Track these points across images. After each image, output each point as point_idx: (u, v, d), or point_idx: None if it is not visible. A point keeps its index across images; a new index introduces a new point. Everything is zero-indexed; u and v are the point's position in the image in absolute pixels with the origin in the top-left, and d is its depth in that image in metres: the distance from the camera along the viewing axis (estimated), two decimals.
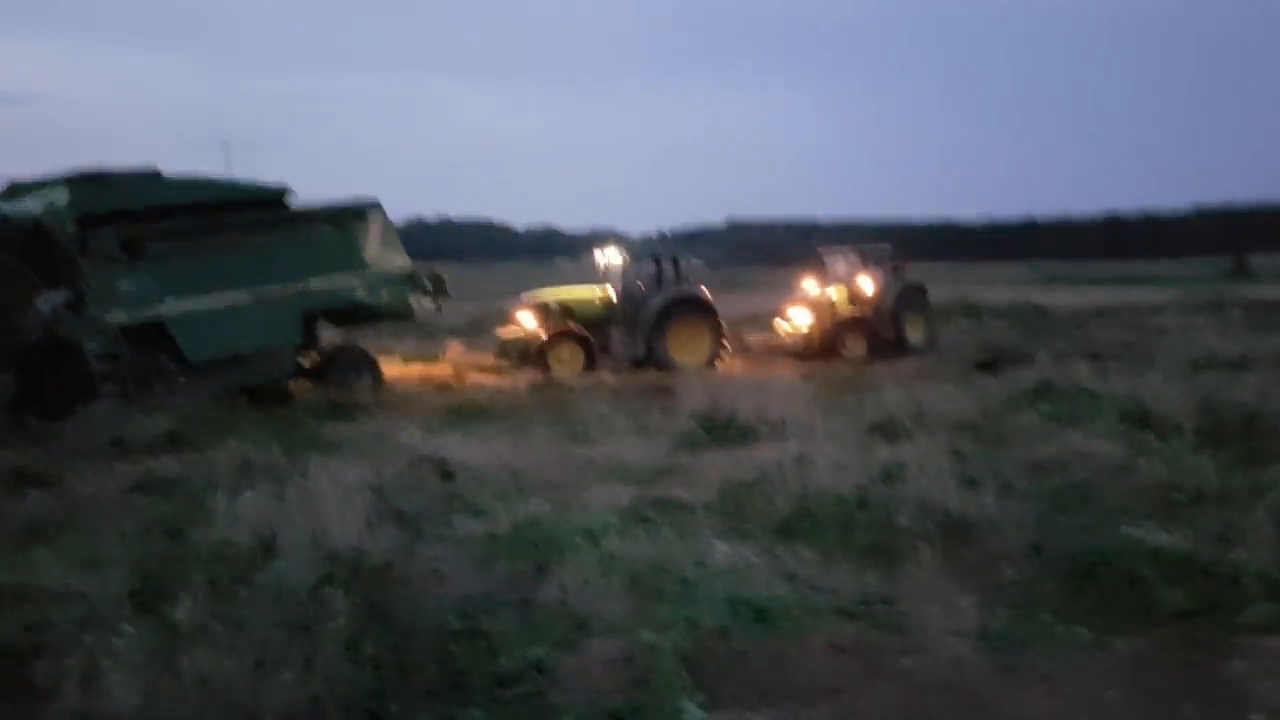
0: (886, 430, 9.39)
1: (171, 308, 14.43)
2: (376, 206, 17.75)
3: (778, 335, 21.89)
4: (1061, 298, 33.67)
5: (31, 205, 14.34)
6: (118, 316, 13.87)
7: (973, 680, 4.55)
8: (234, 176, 16.40)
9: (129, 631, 4.16)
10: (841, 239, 26.68)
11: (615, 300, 19.92)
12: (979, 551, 6.11)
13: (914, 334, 21.45)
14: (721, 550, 6.12)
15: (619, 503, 7.62)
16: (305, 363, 16.67)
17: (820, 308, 21.35)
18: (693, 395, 11.61)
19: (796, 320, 21.36)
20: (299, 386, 16.44)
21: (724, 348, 19.85)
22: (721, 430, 9.87)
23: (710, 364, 19.05)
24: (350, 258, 17.00)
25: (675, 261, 20.60)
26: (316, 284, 16.27)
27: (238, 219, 15.73)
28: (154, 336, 14.21)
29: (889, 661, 4.74)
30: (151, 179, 15.16)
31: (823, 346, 20.86)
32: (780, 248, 24.39)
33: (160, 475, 8.64)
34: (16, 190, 15.08)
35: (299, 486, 6.35)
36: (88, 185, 14.32)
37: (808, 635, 5.00)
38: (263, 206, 16.28)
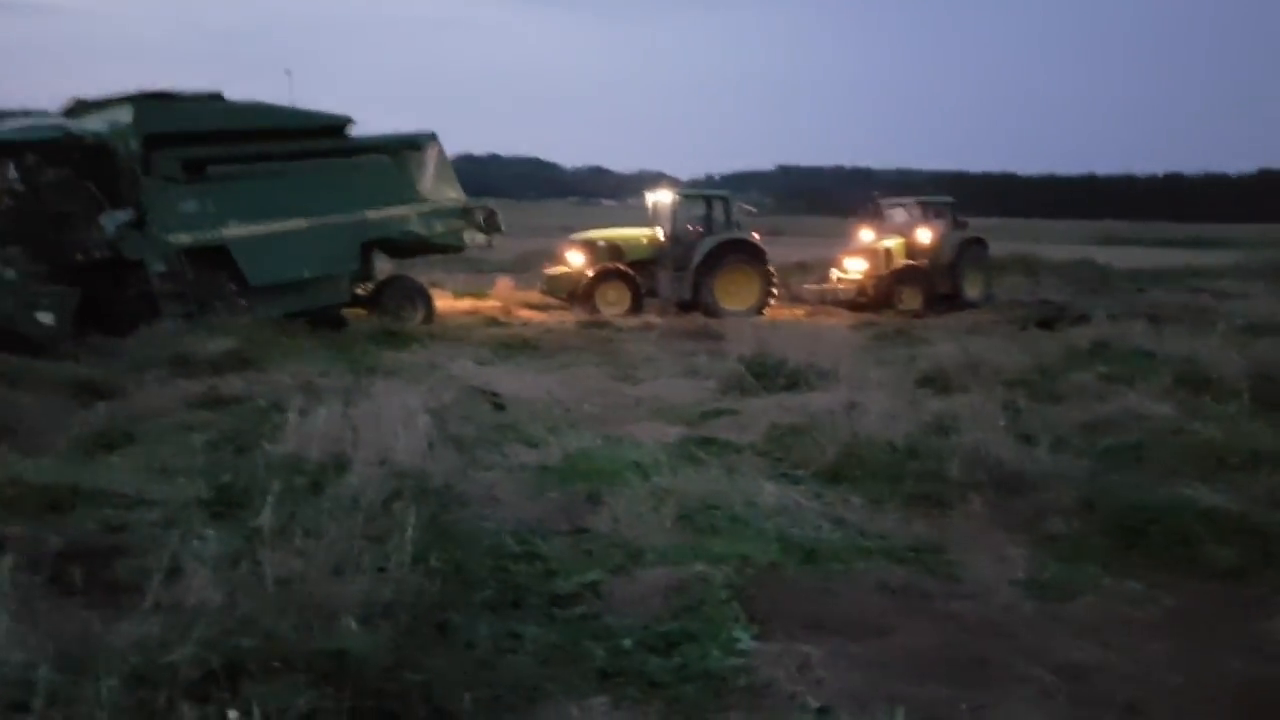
0: (939, 382, 9.40)
1: (233, 231, 14.66)
2: (433, 139, 17.83)
3: (831, 284, 21.75)
4: (1121, 256, 33.00)
5: (96, 124, 14.56)
6: (180, 237, 14.12)
7: (1019, 626, 4.62)
8: (295, 104, 16.46)
9: (209, 534, 4.36)
10: (896, 189, 26.35)
11: (664, 242, 19.89)
12: (1029, 504, 6.14)
13: (972, 289, 21.23)
14: (770, 491, 6.21)
15: (667, 440, 7.73)
16: (360, 291, 16.94)
17: (876, 258, 21.16)
18: (741, 340, 11.67)
19: (851, 270, 21.20)
20: (353, 314, 16.74)
21: (773, 295, 19.78)
22: (770, 376, 9.90)
23: (759, 311, 19.01)
24: (406, 189, 17.14)
25: (726, 204, 20.47)
26: (373, 214, 16.45)
27: (299, 146, 15.89)
28: (216, 259, 14.47)
29: (937, 604, 4.82)
30: (215, 102, 15.33)
31: (877, 297, 20.70)
32: (832, 195, 24.08)
33: (225, 393, 8.87)
34: (81, 108, 15.31)
35: (364, 408, 6.53)
36: (152, 105, 14.50)
37: (857, 575, 5.10)
38: (324, 135, 16.41)
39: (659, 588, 4.72)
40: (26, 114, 15.79)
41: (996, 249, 24.52)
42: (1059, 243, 40.47)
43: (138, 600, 3.74)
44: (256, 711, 2.89)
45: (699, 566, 4.87)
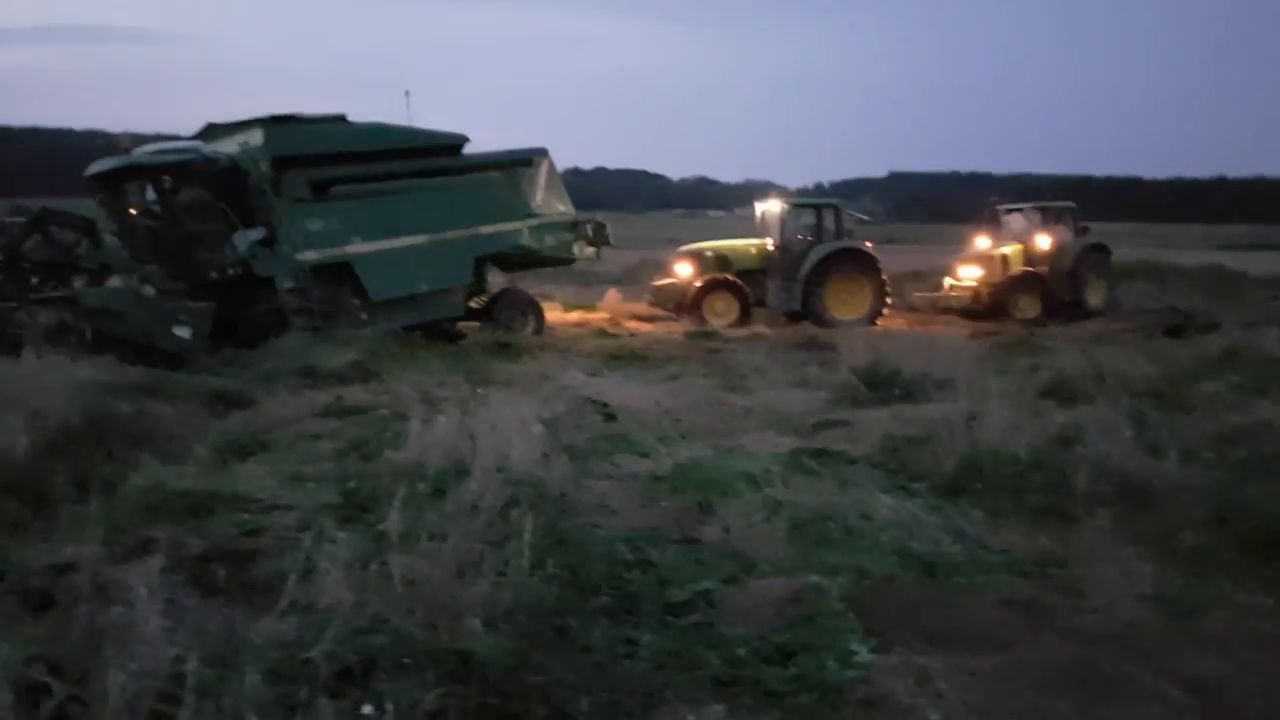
0: (1062, 393, 9.10)
1: (356, 247, 15.27)
2: (544, 154, 18.21)
3: (944, 292, 21.31)
4: (1253, 262, 31.37)
5: (228, 147, 15.35)
6: (307, 255, 14.78)
7: (1146, 640, 4.45)
8: (414, 124, 17.02)
9: (339, 537, 4.55)
10: (1015, 194, 25.63)
11: (773, 252, 19.81)
12: (1158, 518, 5.89)
13: (1094, 296, 20.53)
14: (886, 503, 6.11)
15: (778, 451, 7.69)
16: (474, 304, 17.39)
17: (992, 264, 20.64)
18: (853, 350, 11.52)
19: (966, 277, 20.73)
20: (466, 327, 17.19)
21: (887, 304, 19.48)
22: (884, 386, 9.75)
23: (872, 320, 18.73)
24: (518, 204, 17.56)
25: (837, 212, 20.27)
26: (487, 229, 16.89)
27: (418, 165, 16.45)
28: (339, 274, 15.09)
29: (1061, 619, 4.67)
30: (339, 124, 15.99)
31: (992, 304, 20.21)
32: (947, 201, 23.54)
33: (349, 402, 9.23)
34: (214, 132, 16.16)
35: (480, 417, 6.71)
36: (281, 128, 15.22)
37: (978, 590, 4.98)
38: (441, 153, 16.95)
39: (773, 598, 4.71)
40: (163, 139, 16.76)
41: (1121, 255, 23.65)
42: (1187, 248, 38.74)
43: (275, 600, 3.94)
44: (389, 707, 3.01)
45: (813, 578, 4.83)
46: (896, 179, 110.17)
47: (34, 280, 13.52)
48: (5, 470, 5.82)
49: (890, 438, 7.80)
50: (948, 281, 21.28)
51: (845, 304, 19.02)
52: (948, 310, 20.61)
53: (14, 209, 14.99)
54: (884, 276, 19.55)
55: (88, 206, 15.28)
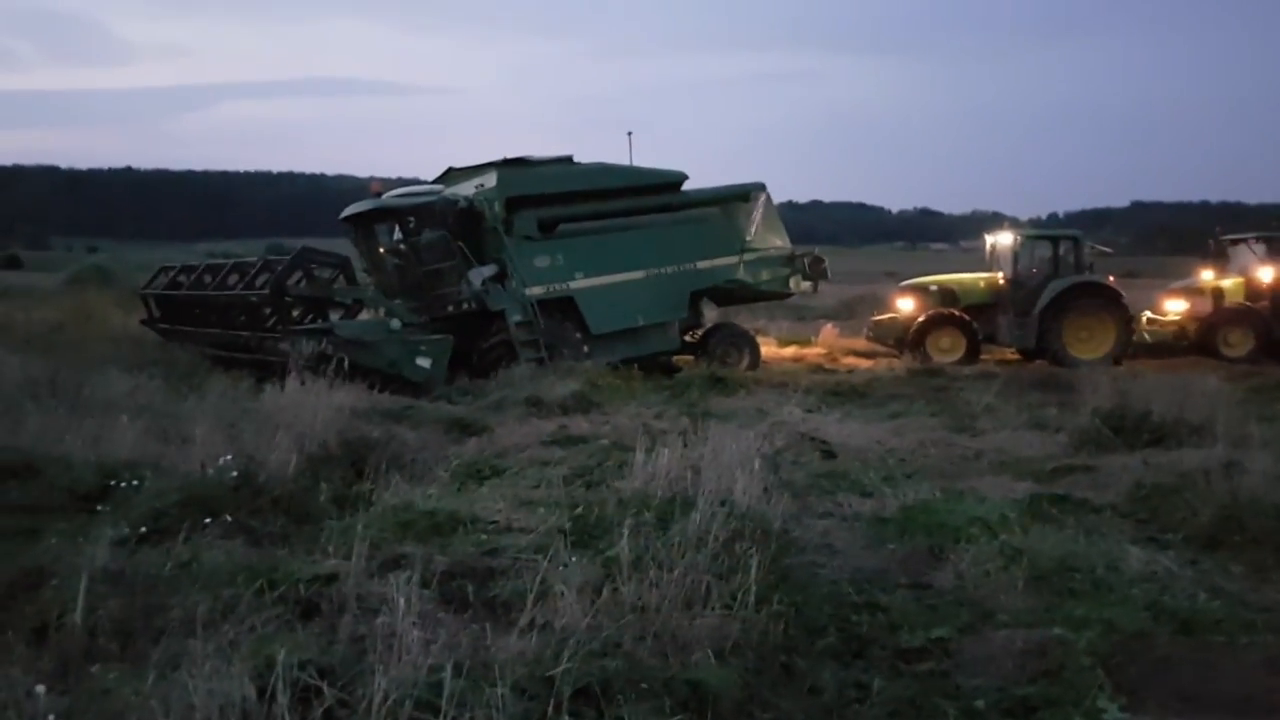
0: None
1: (579, 283, 15.86)
2: (761, 189, 18.30)
3: (1140, 326, 19.65)
4: None
5: (465, 189, 16.35)
6: (534, 290, 15.47)
7: None
8: (635, 164, 17.54)
9: (571, 561, 4.71)
10: (1269, 225, 23.32)
11: (1004, 285, 18.94)
12: None
13: None
14: (1136, 555, 5.71)
15: (1014, 497, 7.32)
16: (689, 338, 17.62)
17: (1201, 297, 18.95)
18: (1096, 390, 10.80)
19: (1171, 311, 19.11)
20: (682, 360, 17.43)
21: (1131, 341, 18.23)
22: (1131, 430, 9.07)
23: (1116, 360, 17.50)
24: (734, 239, 17.71)
25: (1076, 245, 19.15)
26: (703, 264, 17.13)
27: (638, 203, 16.94)
28: (563, 308, 15.70)
29: None
30: (566, 165, 16.71)
31: (1199, 341, 18.55)
32: (1195, 234, 21.74)
33: (574, 432, 9.55)
34: (451, 174, 17.26)
35: (700, 450, 6.77)
36: (513, 171, 16.08)
37: (1240, 650, 4.57)
38: (661, 191, 17.38)
39: (1013, 650, 4.48)
40: (405, 183, 18.05)
41: None
42: None
43: (514, 617, 4.12)
44: None
45: (1057, 630, 4.57)
46: (1139, 209, 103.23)
47: (295, 313, 14.85)
48: (275, 487, 6.38)
49: (1139, 485, 7.27)
50: (1145, 315, 19.62)
51: (1085, 342, 17.89)
52: (1143, 347, 18.86)
53: (272, 247, 16.56)
54: (1130, 313, 18.29)
55: (342, 245, 16.67)
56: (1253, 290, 19.11)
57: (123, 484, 6.55)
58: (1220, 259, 20.16)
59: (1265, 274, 19.07)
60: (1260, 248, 19.64)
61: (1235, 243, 20.29)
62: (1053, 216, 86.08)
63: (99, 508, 6.28)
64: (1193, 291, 19.38)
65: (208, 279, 15.90)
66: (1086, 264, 18.96)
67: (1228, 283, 19.28)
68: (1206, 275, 19.86)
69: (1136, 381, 12.18)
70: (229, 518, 5.75)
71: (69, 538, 5.37)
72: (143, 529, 5.59)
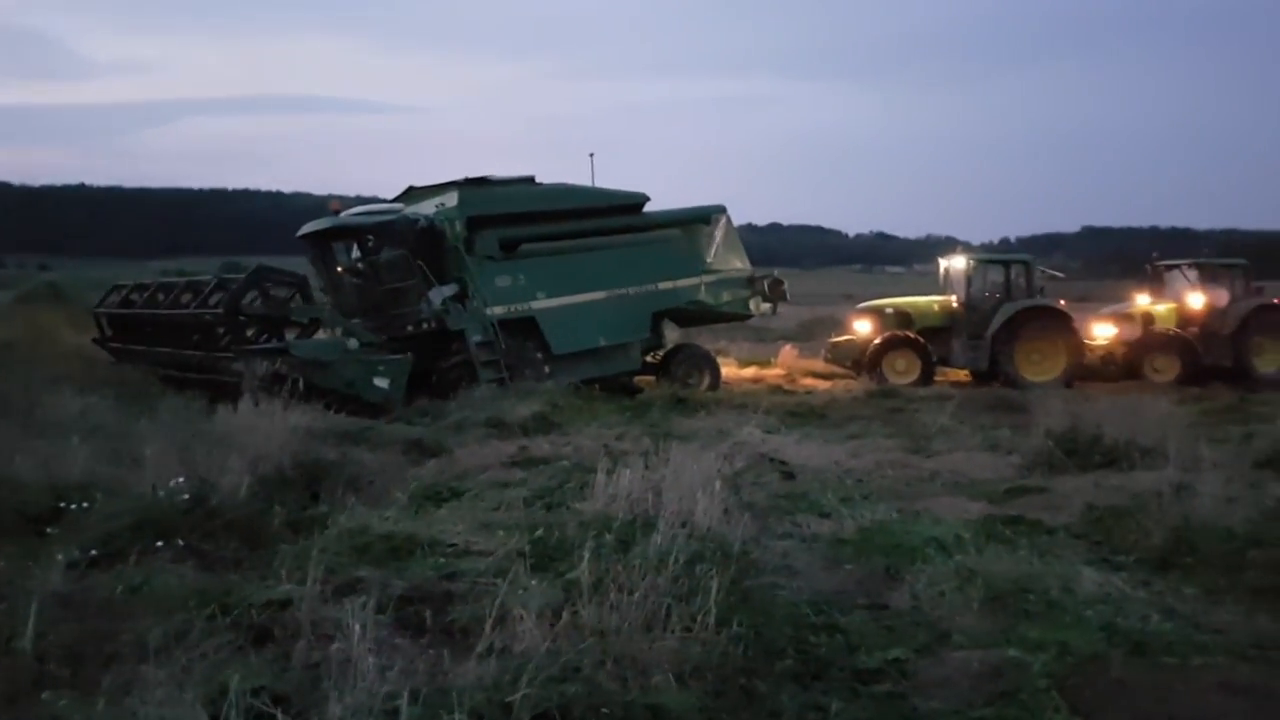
0: None
1: (541, 303, 15.84)
2: (722, 211, 18.45)
3: None
4: None
5: (426, 208, 16.29)
6: (495, 310, 15.42)
7: None
8: (597, 185, 17.60)
9: (531, 584, 4.68)
10: (1221, 251, 23.78)
11: (957, 309, 19.23)
12: None
13: (1267, 361, 18.88)
14: (1089, 576, 5.80)
15: (969, 518, 7.40)
16: (650, 359, 17.66)
17: (1129, 323, 19.38)
18: (1048, 412, 10.95)
19: (1099, 336, 19.51)
20: (642, 381, 17.46)
21: (1083, 364, 18.55)
22: (1083, 452, 9.22)
23: (1067, 383, 17.79)
24: (695, 261, 17.83)
25: (1027, 269, 19.50)
26: (664, 285, 17.21)
27: (600, 224, 16.98)
28: (525, 328, 15.66)
29: None
30: (528, 186, 16.72)
31: (1125, 365, 18.97)
32: (1145, 259, 22.16)
33: (534, 453, 9.50)
34: (412, 193, 17.19)
35: (661, 471, 6.77)
36: (474, 190, 16.06)
37: (1194, 672, 4.62)
38: (622, 212, 17.44)
39: (969, 671, 4.52)
40: (364, 201, 17.94)
41: None
42: None
43: (472, 642, 4.08)
44: None
45: (1013, 652, 4.62)
46: (1090, 234, 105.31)
47: (250, 332, 14.65)
48: (228, 510, 6.27)
49: (1092, 507, 7.38)
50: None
51: (1037, 365, 18.21)
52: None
53: (227, 265, 16.37)
54: (1080, 336, 18.62)
55: (299, 264, 16.49)
56: (1185, 316, 19.55)
57: (73, 506, 6.42)
58: (1157, 284, 20.59)
59: (1196, 300, 19.53)
60: (1193, 274, 20.10)
61: (1170, 268, 20.72)
62: (1005, 241, 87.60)
63: (49, 530, 6.14)
64: (1123, 317, 19.76)
65: (161, 297, 15.67)
66: (1038, 288, 19.30)
67: (1161, 308, 19.70)
68: (1141, 300, 20.28)
69: (1088, 404, 12.39)
70: (181, 541, 5.66)
71: (18, 561, 5.24)
72: (93, 552, 5.47)
